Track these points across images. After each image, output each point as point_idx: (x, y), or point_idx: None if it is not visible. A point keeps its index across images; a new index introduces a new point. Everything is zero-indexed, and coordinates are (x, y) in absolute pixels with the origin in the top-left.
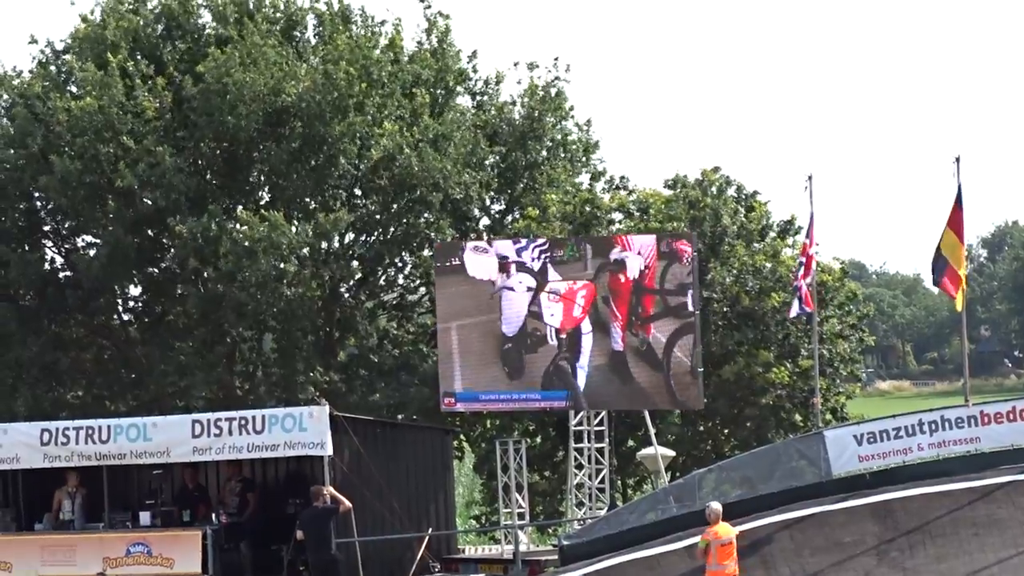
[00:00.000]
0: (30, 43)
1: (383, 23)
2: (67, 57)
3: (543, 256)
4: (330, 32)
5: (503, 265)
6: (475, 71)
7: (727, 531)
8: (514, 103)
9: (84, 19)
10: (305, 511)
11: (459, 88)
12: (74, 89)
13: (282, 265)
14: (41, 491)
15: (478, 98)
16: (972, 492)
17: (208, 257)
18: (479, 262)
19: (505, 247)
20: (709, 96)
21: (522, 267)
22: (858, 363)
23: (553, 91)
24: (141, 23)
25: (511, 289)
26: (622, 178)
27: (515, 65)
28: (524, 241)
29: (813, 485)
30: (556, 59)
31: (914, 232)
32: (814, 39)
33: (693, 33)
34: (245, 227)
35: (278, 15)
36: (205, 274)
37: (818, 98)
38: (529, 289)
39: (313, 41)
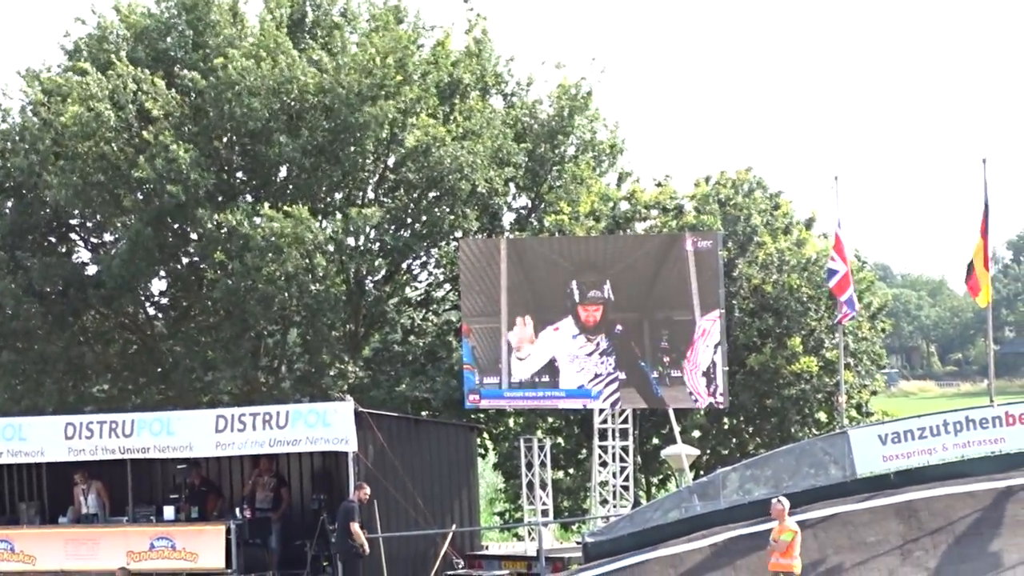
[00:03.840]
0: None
1: (432, 28)
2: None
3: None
4: (375, 27)
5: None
6: (511, 75)
7: (788, 528)
8: (541, 102)
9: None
10: (341, 504)
11: (494, 90)
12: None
13: (308, 261)
14: (65, 485)
15: (510, 98)
16: (996, 493)
17: (233, 251)
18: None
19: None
20: (735, 97)
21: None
22: (880, 356)
23: (584, 90)
24: (149, 23)
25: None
26: (666, 176)
27: (543, 64)
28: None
29: (837, 484)
30: (593, 59)
31: (939, 234)
32: (841, 41)
33: (720, 35)
34: (272, 223)
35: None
36: (230, 268)
37: (844, 100)
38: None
39: (355, 41)
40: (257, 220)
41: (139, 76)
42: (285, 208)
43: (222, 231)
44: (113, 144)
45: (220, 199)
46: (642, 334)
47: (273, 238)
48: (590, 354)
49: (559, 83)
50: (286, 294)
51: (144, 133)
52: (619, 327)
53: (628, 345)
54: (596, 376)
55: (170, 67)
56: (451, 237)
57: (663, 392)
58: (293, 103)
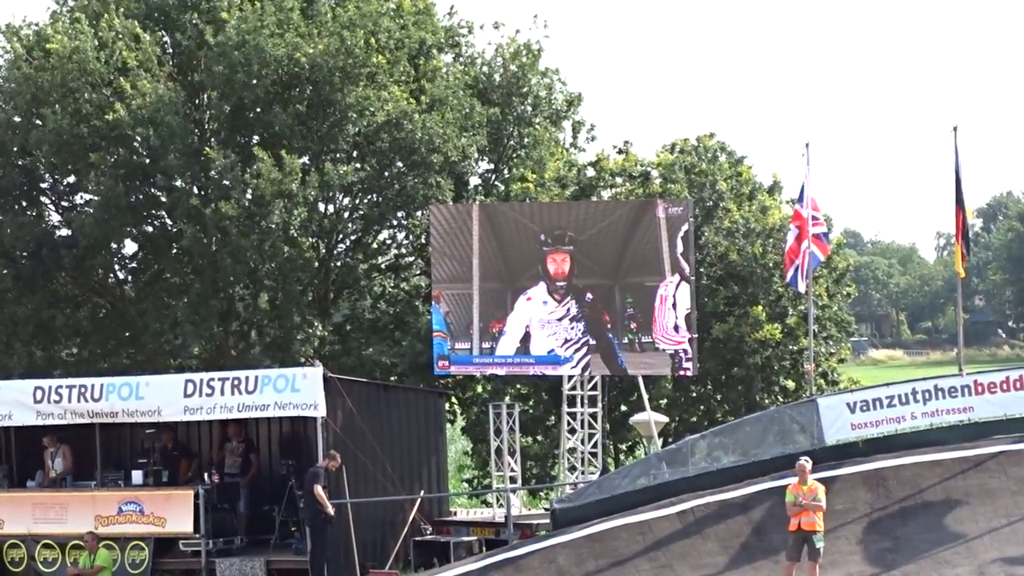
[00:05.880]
0: None
1: None
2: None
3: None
4: None
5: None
6: (459, 26)
7: (818, 486)
8: (494, 62)
9: None
10: (309, 469)
11: (447, 49)
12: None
13: (281, 210)
14: (34, 449)
15: (464, 58)
16: (964, 461)
17: (210, 197)
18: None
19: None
20: (706, 63)
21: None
22: (848, 322)
23: (523, 42)
24: None
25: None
26: (626, 142)
27: (480, 28)
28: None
29: (806, 452)
30: (535, 16)
31: (910, 201)
32: (810, 6)
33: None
34: (259, 165)
35: None
36: (204, 213)
37: (814, 65)
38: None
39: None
40: (235, 170)
41: (126, 25)
42: (282, 152)
43: (199, 182)
44: (93, 95)
45: (199, 152)
46: (612, 300)
47: (259, 186)
48: (560, 319)
49: (500, 43)
50: (259, 251)
51: (123, 80)
52: (589, 295)
53: (597, 313)
54: (567, 341)
55: (164, 25)
56: (424, 207)
57: (629, 359)
58: (285, 75)
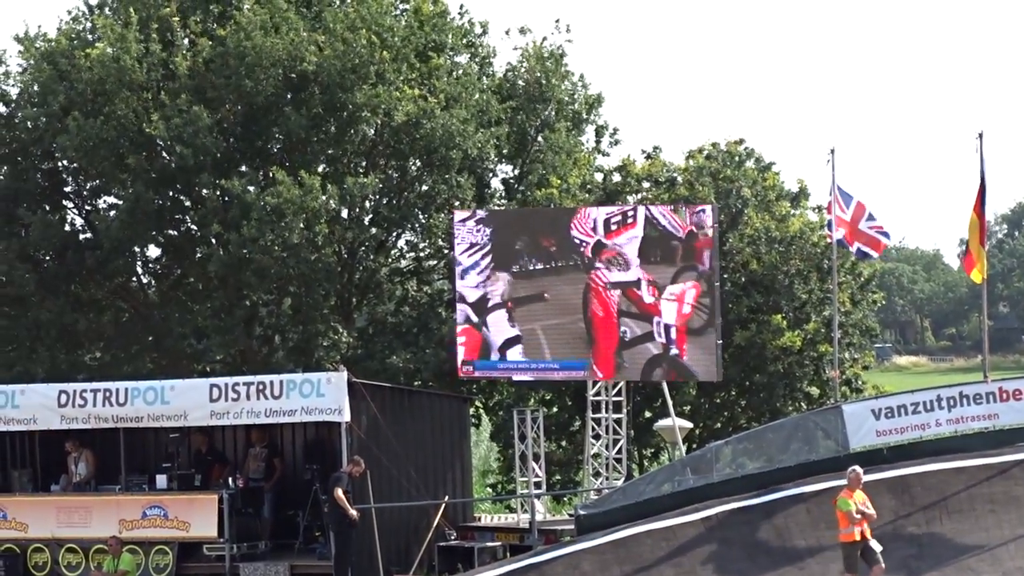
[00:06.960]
0: None
1: None
2: (96, 8)
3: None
4: None
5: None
6: (471, 26)
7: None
8: (521, 64)
9: None
10: (332, 474)
11: (460, 43)
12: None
13: (303, 227)
14: (58, 453)
15: (476, 55)
16: (989, 468)
17: (232, 220)
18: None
19: None
20: (731, 68)
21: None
22: (873, 329)
23: (548, 48)
24: None
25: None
26: (655, 148)
27: (507, 33)
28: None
29: (830, 459)
30: (557, 21)
31: (935, 207)
32: (835, 11)
33: (710, 4)
34: (279, 187)
35: None
36: (227, 237)
37: (838, 71)
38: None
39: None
40: (255, 188)
41: (188, 24)
42: (302, 172)
43: (223, 200)
44: (128, 101)
45: (226, 165)
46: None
47: (280, 205)
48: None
49: (523, 47)
50: (283, 265)
51: (162, 93)
52: None
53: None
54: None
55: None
56: (447, 208)
57: None
58: (294, 77)
